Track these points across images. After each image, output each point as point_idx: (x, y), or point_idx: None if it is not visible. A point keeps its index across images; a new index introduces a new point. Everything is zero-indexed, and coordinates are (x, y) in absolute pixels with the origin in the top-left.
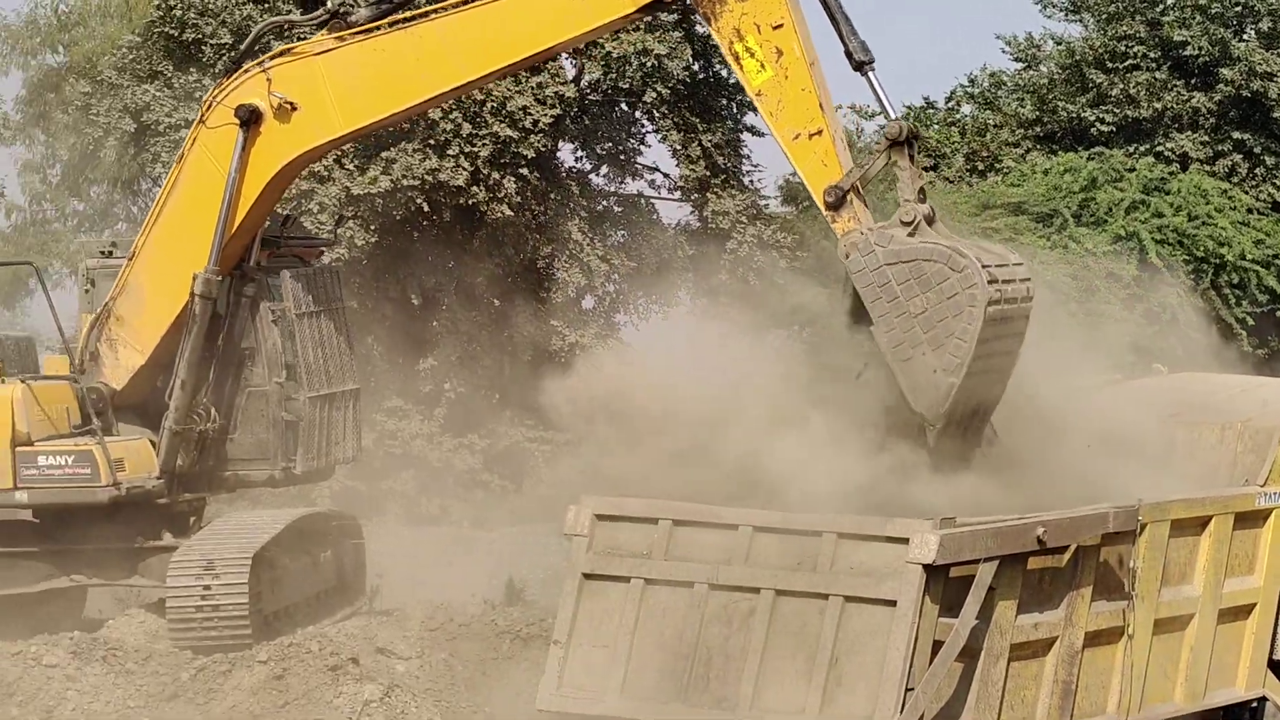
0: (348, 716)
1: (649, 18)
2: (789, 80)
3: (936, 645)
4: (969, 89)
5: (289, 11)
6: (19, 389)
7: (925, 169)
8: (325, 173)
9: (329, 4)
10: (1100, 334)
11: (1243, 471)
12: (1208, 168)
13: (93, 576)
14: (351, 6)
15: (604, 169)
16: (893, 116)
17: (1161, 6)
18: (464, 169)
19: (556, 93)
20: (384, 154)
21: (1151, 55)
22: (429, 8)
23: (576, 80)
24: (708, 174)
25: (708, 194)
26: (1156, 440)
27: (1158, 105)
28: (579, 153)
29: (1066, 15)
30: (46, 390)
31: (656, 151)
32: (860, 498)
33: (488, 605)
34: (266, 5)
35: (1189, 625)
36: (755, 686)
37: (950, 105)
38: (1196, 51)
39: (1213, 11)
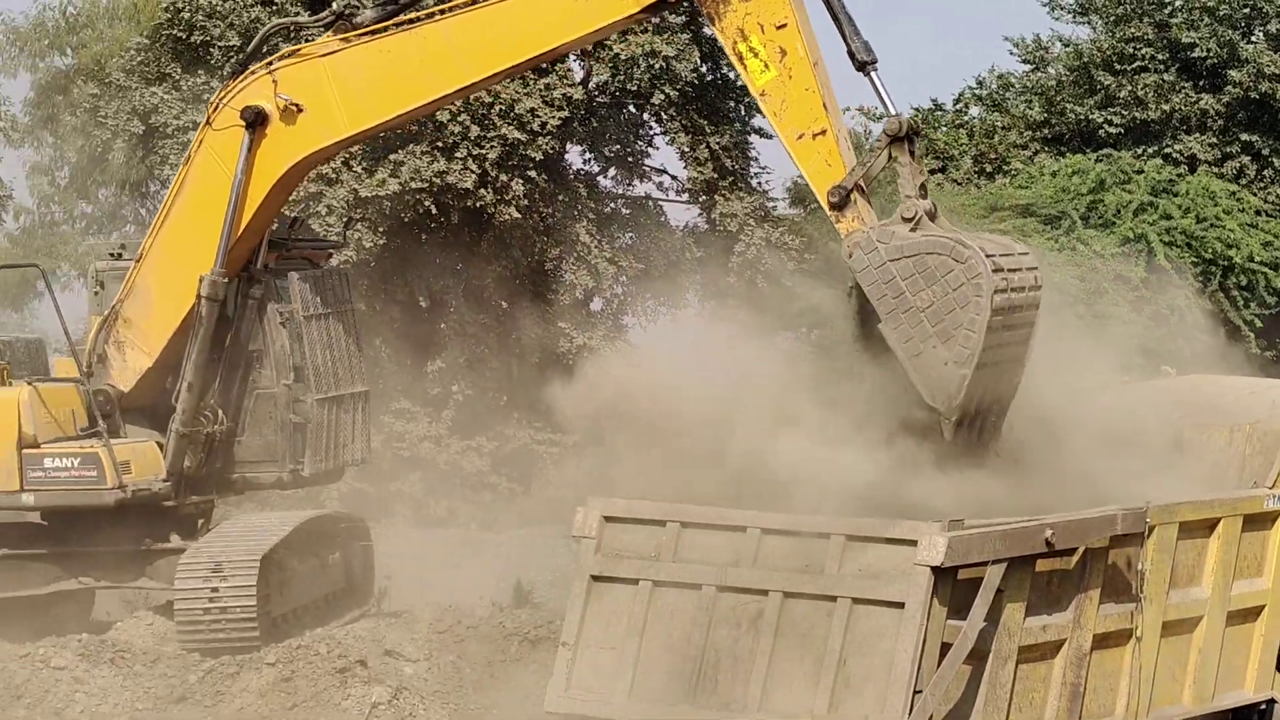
0: (356, 718)
1: (656, 19)
2: (793, 80)
3: (945, 647)
4: (977, 91)
5: (296, 13)
6: (25, 391)
7: (933, 171)
8: (333, 175)
9: (335, 5)
10: (1108, 336)
11: (1251, 473)
12: (1216, 170)
13: (101, 579)
14: (357, 8)
15: (612, 171)
16: (894, 113)
17: (1170, 8)
18: (472, 171)
19: (564, 95)
20: (392, 156)
21: (1160, 57)
22: (434, 9)
23: (584, 82)
24: (715, 176)
25: (715, 196)
26: (1165, 442)
27: (1166, 107)
28: (587, 155)
29: (1075, 17)
30: (53, 392)
31: (664, 153)
32: (868, 500)
33: (496, 607)
34: (274, 7)
35: (1197, 627)
36: (763, 689)
37: (958, 107)
38: (1205, 53)
39: (1221, 13)
